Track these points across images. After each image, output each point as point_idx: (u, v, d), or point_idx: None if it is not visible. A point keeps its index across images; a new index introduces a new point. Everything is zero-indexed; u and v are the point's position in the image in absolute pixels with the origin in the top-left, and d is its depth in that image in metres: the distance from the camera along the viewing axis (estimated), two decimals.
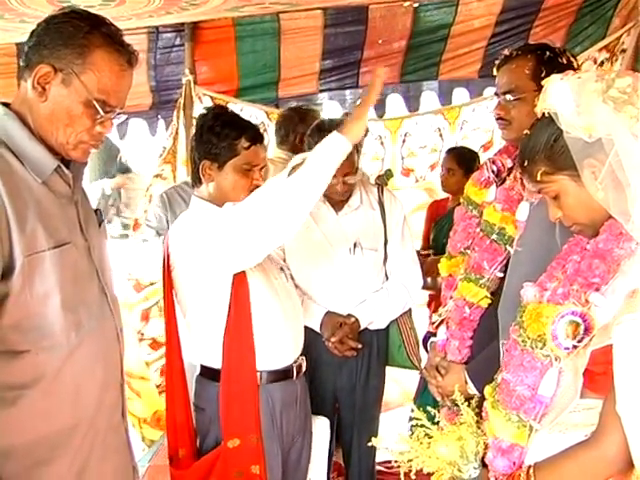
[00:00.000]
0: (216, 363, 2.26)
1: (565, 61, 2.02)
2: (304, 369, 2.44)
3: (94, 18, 1.63)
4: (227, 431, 2.22)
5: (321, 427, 2.62)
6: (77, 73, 1.57)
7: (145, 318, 3.79)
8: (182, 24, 3.90)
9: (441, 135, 4.53)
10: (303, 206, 2.01)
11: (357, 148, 2.82)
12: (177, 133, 3.89)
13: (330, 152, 1.99)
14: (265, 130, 4.19)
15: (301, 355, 2.42)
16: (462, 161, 3.90)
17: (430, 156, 4.59)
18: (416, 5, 4.03)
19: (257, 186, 2.28)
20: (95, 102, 1.59)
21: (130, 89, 1.71)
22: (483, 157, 4.20)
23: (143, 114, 4.33)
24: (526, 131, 1.50)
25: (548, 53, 2.03)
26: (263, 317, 2.26)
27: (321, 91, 4.41)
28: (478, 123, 4.46)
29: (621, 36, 3.81)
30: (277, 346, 2.31)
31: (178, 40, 3.99)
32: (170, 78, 4.12)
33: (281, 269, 2.50)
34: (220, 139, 2.25)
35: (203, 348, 2.33)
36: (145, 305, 3.78)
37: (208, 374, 2.31)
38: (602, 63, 3.86)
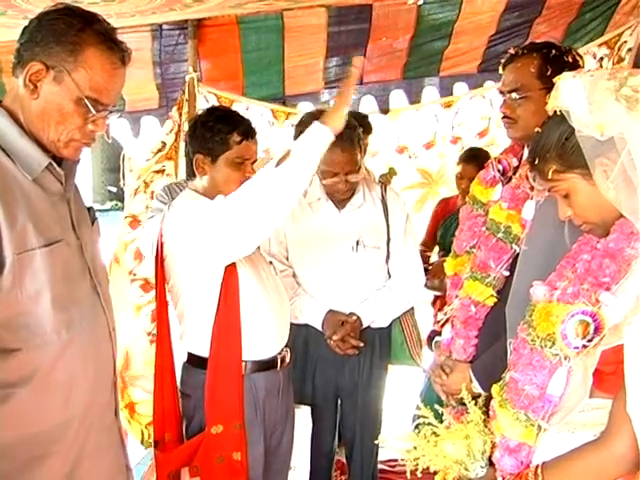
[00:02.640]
0: (203, 351, 2.30)
1: (571, 60, 2.03)
2: (288, 360, 2.48)
3: (87, 15, 1.62)
4: (211, 417, 2.27)
5: (302, 416, 2.66)
6: (69, 71, 1.57)
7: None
8: (185, 22, 3.89)
9: (437, 119, 4.56)
10: (290, 196, 2.08)
11: (361, 147, 2.83)
12: (180, 130, 3.89)
13: (314, 142, 2.06)
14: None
15: (285, 347, 2.45)
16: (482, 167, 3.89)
17: (425, 135, 4.62)
18: (420, 3, 4.01)
19: (249, 179, 2.32)
20: (87, 100, 1.58)
21: (123, 87, 1.70)
22: (479, 144, 4.24)
23: (154, 112, 4.34)
24: (537, 129, 1.50)
25: (554, 52, 2.03)
26: (251, 308, 2.30)
27: (326, 88, 4.42)
28: (476, 112, 4.48)
29: (622, 33, 3.80)
30: (263, 337, 2.35)
31: (182, 38, 3.99)
32: (177, 75, 4.12)
33: (270, 262, 2.53)
34: (213, 133, 2.30)
35: (192, 336, 2.36)
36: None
37: (195, 362, 2.35)
38: (601, 59, 3.86)
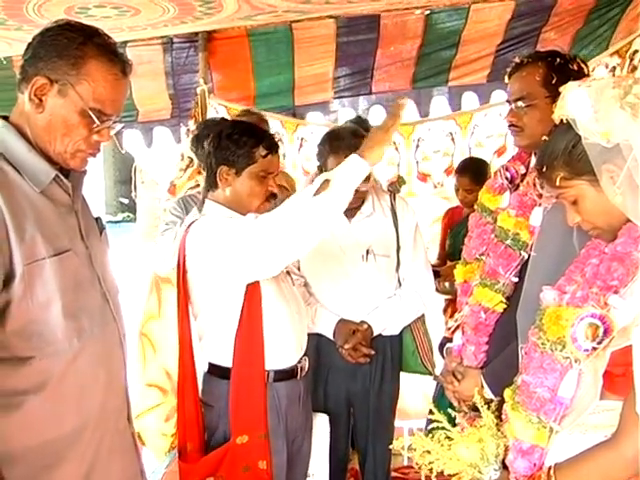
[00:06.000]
0: (226, 362, 2.31)
1: (576, 67, 2.04)
2: (307, 369, 2.49)
3: (87, 29, 1.65)
4: (236, 428, 2.28)
5: (321, 424, 2.67)
6: (72, 84, 1.60)
7: None
8: (196, 34, 3.94)
9: (453, 140, 4.54)
10: (325, 225, 2.08)
11: None
12: None
13: (351, 175, 2.04)
14: (280, 139, 4.24)
15: (304, 355, 2.47)
16: (477, 177, 3.89)
17: (444, 160, 4.58)
18: (427, 12, 4.05)
19: (272, 193, 2.36)
20: (91, 111, 1.61)
21: (125, 98, 1.74)
22: (497, 162, 4.22)
23: (166, 122, 4.39)
24: (545, 137, 1.52)
25: (559, 60, 2.05)
26: (272, 318, 2.31)
27: (335, 98, 4.45)
28: (491, 130, 4.46)
29: (632, 41, 3.81)
30: (284, 346, 2.37)
31: (192, 50, 4.03)
32: (189, 86, 4.17)
33: (287, 272, 2.54)
34: (239, 146, 2.31)
35: (214, 347, 2.38)
36: None
37: (218, 372, 2.36)
38: (614, 68, 3.86)
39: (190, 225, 2.37)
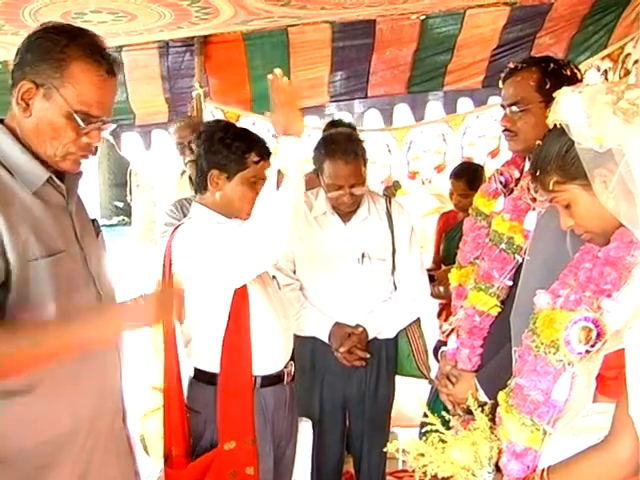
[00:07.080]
0: (213, 367, 2.30)
1: (569, 73, 2.06)
2: (292, 374, 2.48)
3: (73, 31, 1.65)
4: (223, 434, 2.28)
5: (305, 429, 2.65)
6: (56, 87, 1.60)
7: None
8: (192, 39, 3.95)
9: (445, 140, 4.56)
10: (299, 206, 2.14)
11: (364, 160, 2.86)
12: None
13: (296, 154, 2.11)
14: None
15: (290, 360, 2.47)
16: (472, 182, 3.89)
17: (434, 158, 4.60)
18: (423, 17, 4.06)
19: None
20: (76, 114, 1.61)
21: (114, 98, 1.73)
22: (490, 164, 4.24)
23: (163, 125, 4.39)
24: (538, 142, 1.53)
25: (552, 65, 2.07)
26: (259, 323, 2.31)
27: (331, 102, 4.47)
28: (483, 130, 4.48)
29: (625, 45, 3.83)
30: (271, 352, 2.37)
31: (188, 55, 4.04)
32: (185, 90, 4.19)
33: (273, 277, 2.54)
34: (231, 151, 2.30)
35: (200, 353, 2.37)
36: None
37: (204, 378, 2.35)
38: (606, 72, 3.88)
39: (176, 229, 2.37)
